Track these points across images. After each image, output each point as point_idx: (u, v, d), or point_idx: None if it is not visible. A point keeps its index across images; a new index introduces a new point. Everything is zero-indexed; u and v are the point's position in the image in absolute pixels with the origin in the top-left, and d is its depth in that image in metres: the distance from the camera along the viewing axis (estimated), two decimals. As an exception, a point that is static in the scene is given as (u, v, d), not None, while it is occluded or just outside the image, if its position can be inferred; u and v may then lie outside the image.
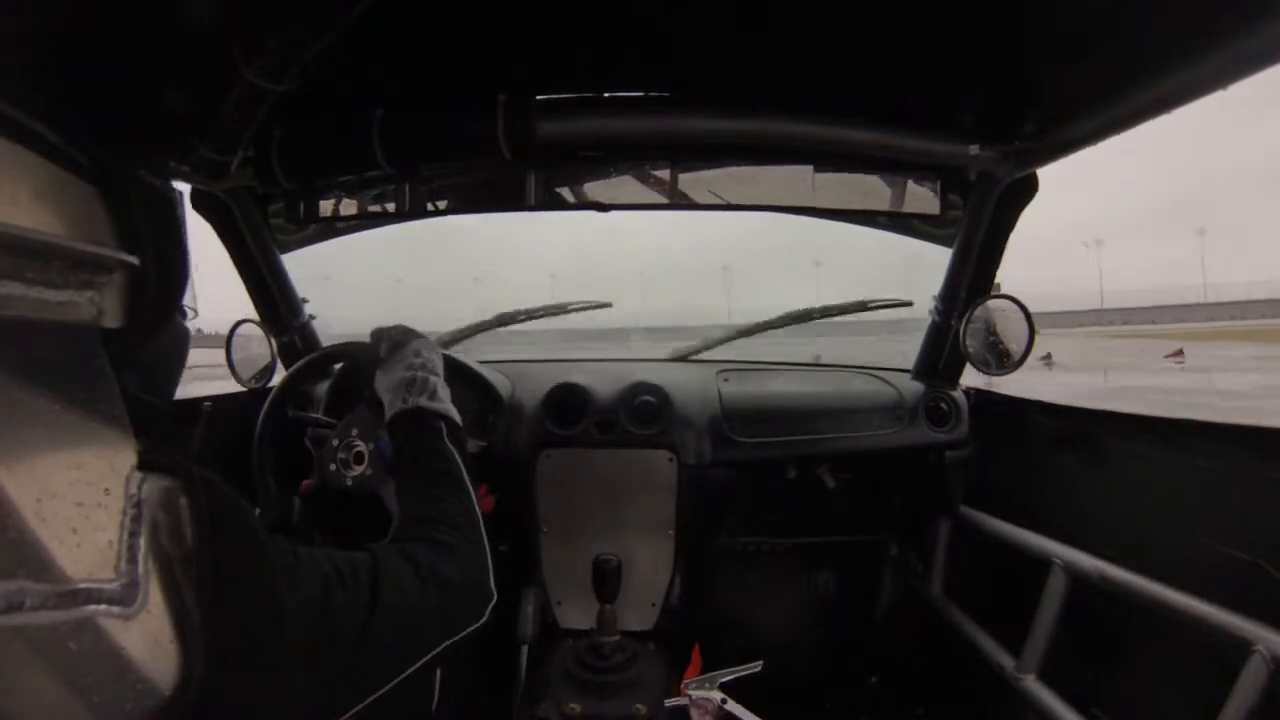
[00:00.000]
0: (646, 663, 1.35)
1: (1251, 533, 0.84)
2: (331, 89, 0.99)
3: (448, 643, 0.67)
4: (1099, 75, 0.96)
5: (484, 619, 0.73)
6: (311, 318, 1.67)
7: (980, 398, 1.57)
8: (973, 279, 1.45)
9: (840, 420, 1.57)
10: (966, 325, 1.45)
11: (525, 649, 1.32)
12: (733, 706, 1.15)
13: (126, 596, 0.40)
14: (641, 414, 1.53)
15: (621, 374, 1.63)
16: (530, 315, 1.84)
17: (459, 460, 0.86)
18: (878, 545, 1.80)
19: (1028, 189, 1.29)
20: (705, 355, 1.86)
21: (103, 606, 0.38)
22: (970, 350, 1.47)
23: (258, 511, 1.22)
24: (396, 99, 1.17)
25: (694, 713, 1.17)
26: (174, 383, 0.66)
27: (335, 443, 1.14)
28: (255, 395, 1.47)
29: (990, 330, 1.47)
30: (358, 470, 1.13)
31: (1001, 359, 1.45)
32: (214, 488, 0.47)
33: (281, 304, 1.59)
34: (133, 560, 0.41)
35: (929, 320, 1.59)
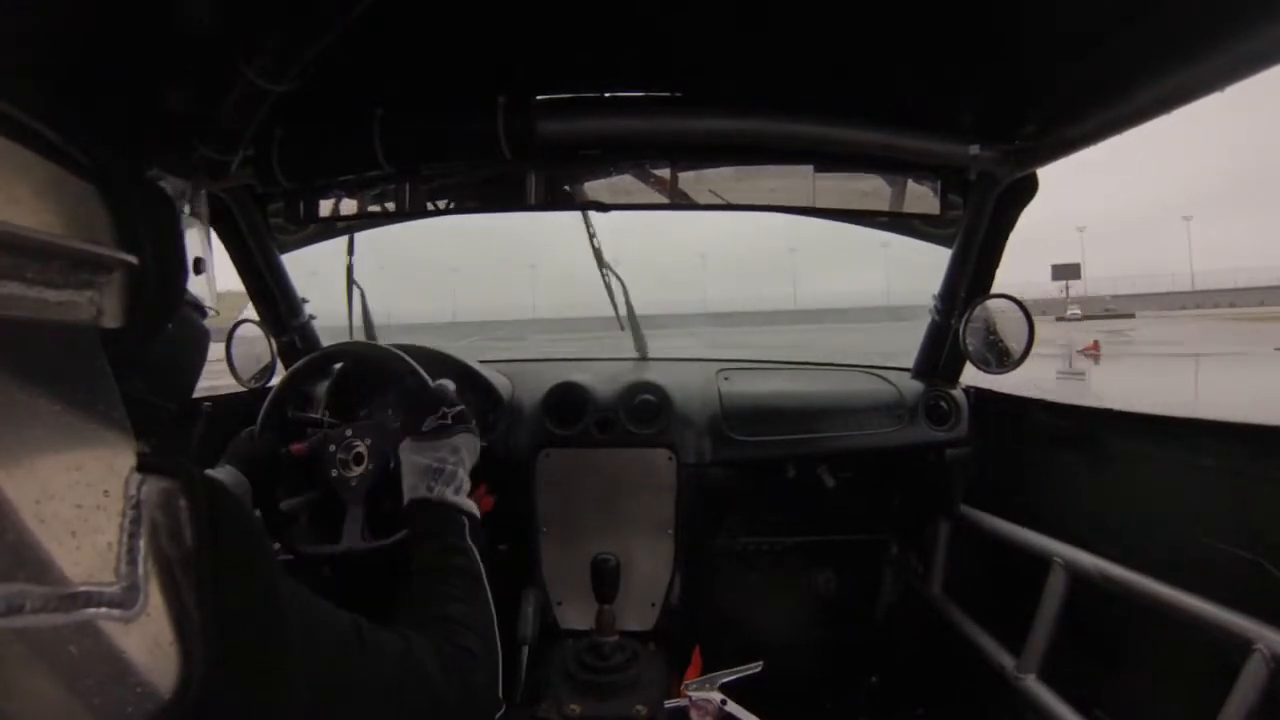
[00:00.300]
0: (646, 663, 1.35)
1: (1252, 532, 0.84)
2: (331, 89, 0.99)
3: None
4: (1099, 75, 0.96)
5: None
6: (312, 317, 1.67)
7: (980, 396, 1.57)
8: (973, 278, 1.45)
9: (840, 419, 1.57)
10: (966, 324, 1.45)
11: (525, 649, 1.32)
12: (733, 707, 1.15)
13: (126, 599, 0.40)
14: (641, 413, 1.53)
15: (621, 373, 1.63)
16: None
17: (479, 559, 0.86)
18: (878, 545, 1.80)
19: (1028, 189, 1.29)
20: (705, 355, 1.86)
21: (103, 609, 0.38)
22: (970, 349, 1.47)
23: (246, 431, 1.23)
24: (396, 99, 1.17)
25: (694, 713, 1.17)
26: (191, 382, 0.66)
27: (347, 433, 1.15)
28: (255, 395, 1.47)
29: (990, 329, 1.47)
30: (350, 472, 1.13)
31: (1001, 358, 1.45)
32: (214, 489, 0.47)
33: (281, 304, 1.59)
34: (132, 562, 0.41)
35: (929, 319, 1.59)
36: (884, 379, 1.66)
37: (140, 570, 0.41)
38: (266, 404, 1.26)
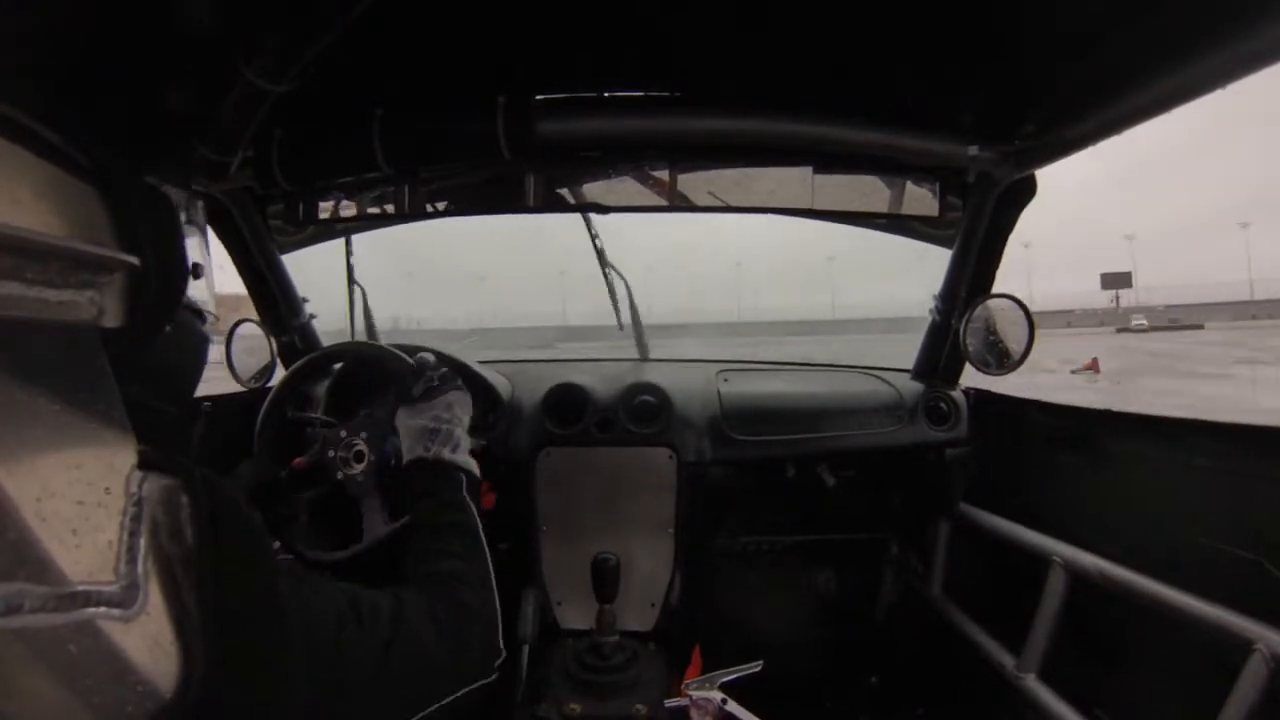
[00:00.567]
0: (646, 663, 1.35)
1: (1252, 532, 0.84)
2: (331, 89, 0.99)
3: (458, 694, 0.69)
4: (1098, 75, 0.96)
5: (493, 675, 0.74)
6: (312, 317, 1.67)
7: (979, 397, 1.58)
8: (972, 279, 1.45)
9: (840, 419, 1.57)
10: (966, 325, 1.45)
11: (525, 649, 1.32)
12: (733, 707, 1.15)
13: (126, 598, 0.40)
14: (641, 413, 1.53)
15: (621, 373, 1.63)
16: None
17: (476, 514, 0.87)
18: (878, 544, 1.80)
19: (1027, 190, 1.29)
20: (706, 356, 1.86)
21: (102, 609, 0.38)
22: (970, 350, 1.47)
23: (245, 464, 1.23)
24: (396, 99, 1.17)
25: (694, 713, 1.17)
26: (191, 387, 0.66)
27: (342, 435, 1.15)
28: (255, 395, 1.47)
29: (990, 330, 1.47)
30: (353, 470, 1.13)
31: (1001, 358, 1.45)
32: (215, 487, 0.47)
33: (281, 304, 1.59)
34: (132, 561, 0.41)
35: (929, 320, 1.59)
36: (883, 380, 1.66)
37: (140, 569, 0.41)
38: (266, 404, 1.26)
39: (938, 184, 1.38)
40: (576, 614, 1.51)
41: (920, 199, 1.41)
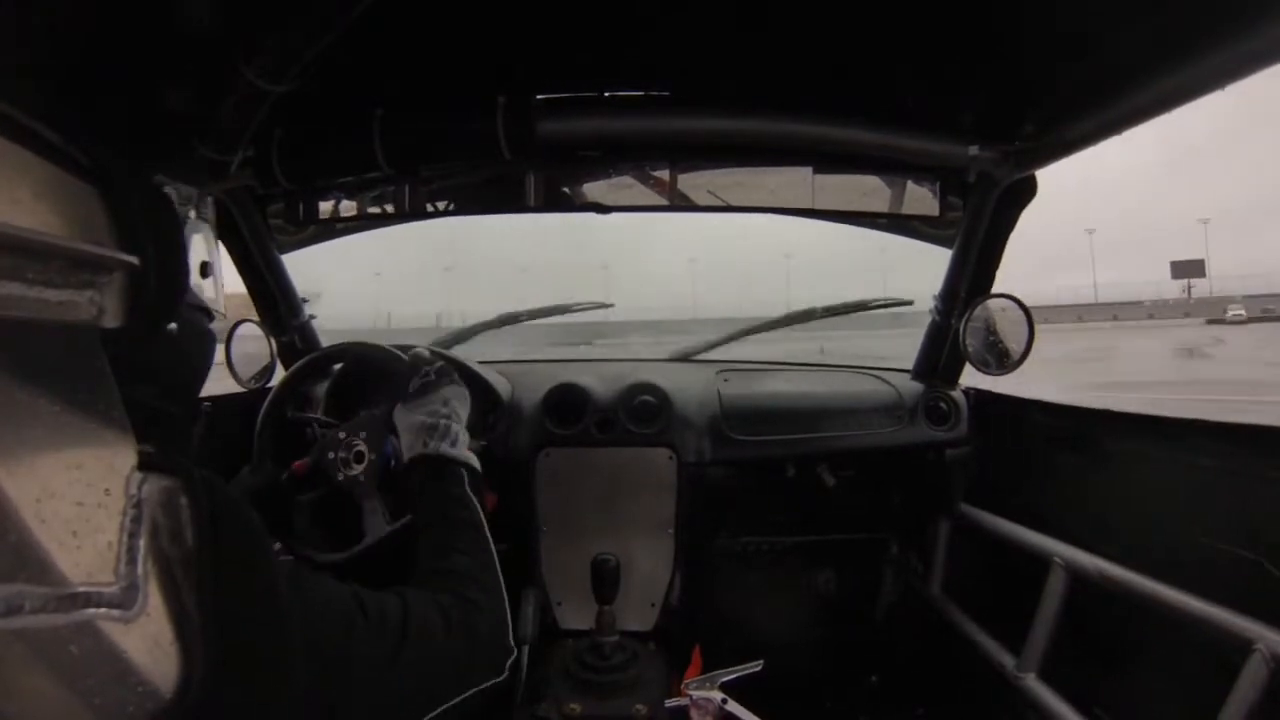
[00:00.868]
0: (646, 663, 1.35)
1: (1252, 532, 0.84)
2: (331, 89, 0.99)
3: (467, 694, 0.68)
4: (1099, 75, 0.96)
5: (504, 674, 0.73)
6: (311, 317, 1.67)
7: (979, 397, 1.58)
8: (972, 280, 1.45)
9: (840, 419, 1.57)
10: (966, 325, 1.45)
11: (525, 649, 1.32)
12: (733, 706, 1.15)
13: (126, 599, 0.40)
14: (641, 413, 1.53)
15: (621, 374, 1.63)
16: (533, 315, 1.85)
17: (479, 509, 0.86)
18: (878, 544, 1.80)
19: (1027, 190, 1.29)
20: (706, 356, 1.86)
21: (102, 610, 0.38)
22: (970, 350, 1.47)
23: (245, 469, 1.22)
24: (396, 99, 1.17)
25: (694, 713, 1.17)
26: (197, 386, 0.66)
27: (341, 436, 1.15)
28: (255, 395, 1.47)
29: (990, 330, 1.47)
30: (354, 470, 1.13)
31: (1001, 359, 1.45)
32: (215, 488, 0.47)
33: (281, 304, 1.59)
34: (132, 561, 0.41)
35: (929, 319, 1.59)
36: (883, 380, 1.66)
37: (140, 570, 0.41)
38: (266, 404, 1.26)
39: (938, 184, 1.39)
40: (576, 614, 1.51)
41: (921, 199, 1.41)
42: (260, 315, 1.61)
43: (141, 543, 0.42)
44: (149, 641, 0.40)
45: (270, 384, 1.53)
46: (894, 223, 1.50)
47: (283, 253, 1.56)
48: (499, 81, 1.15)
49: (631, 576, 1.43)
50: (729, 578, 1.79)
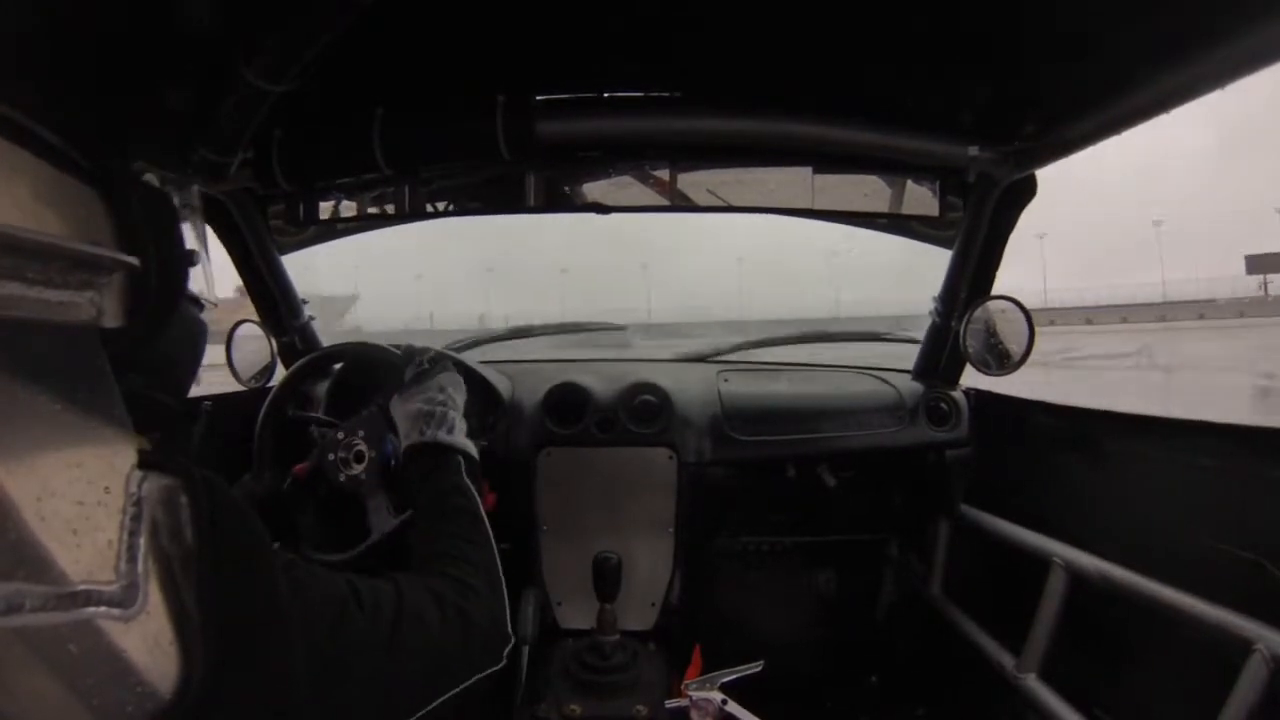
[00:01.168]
0: (647, 663, 1.35)
1: (1252, 532, 0.84)
2: (331, 89, 0.99)
3: (466, 683, 0.67)
4: (1099, 75, 0.96)
5: (502, 662, 0.73)
6: (311, 318, 1.67)
7: (980, 398, 1.58)
8: (973, 280, 1.45)
9: (840, 420, 1.57)
10: (966, 326, 1.45)
11: (525, 649, 1.32)
12: (733, 707, 1.15)
13: (126, 598, 0.40)
14: (641, 413, 1.53)
15: (621, 373, 1.63)
16: (545, 330, 1.86)
17: (477, 497, 0.86)
18: (878, 545, 1.80)
19: (1027, 190, 1.29)
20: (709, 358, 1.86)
21: (102, 608, 0.38)
22: (970, 351, 1.47)
23: (246, 478, 1.22)
24: (396, 99, 1.17)
25: (694, 713, 1.17)
26: (188, 378, 0.66)
27: (340, 437, 1.14)
28: (255, 395, 1.47)
29: (990, 331, 1.47)
30: (355, 470, 1.13)
31: (1002, 360, 1.45)
32: (215, 487, 0.47)
33: (281, 304, 1.59)
34: (132, 560, 0.41)
35: (929, 321, 1.59)
36: (884, 380, 1.66)
37: (140, 568, 0.41)
38: (267, 404, 1.27)
39: (938, 184, 1.38)
40: (577, 614, 1.51)
41: (921, 199, 1.41)
42: (260, 316, 1.61)
43: (141, 541, 0.42)
44: (149, 641, 0.40)
45: (271, 384, 1.53)
46: (894, 223, 1.50)
47: (283, 253, 1.56)
48: (499, 82, 1.15)
49: (632, 576, 1.43)
50: (729, 578, 1.79)
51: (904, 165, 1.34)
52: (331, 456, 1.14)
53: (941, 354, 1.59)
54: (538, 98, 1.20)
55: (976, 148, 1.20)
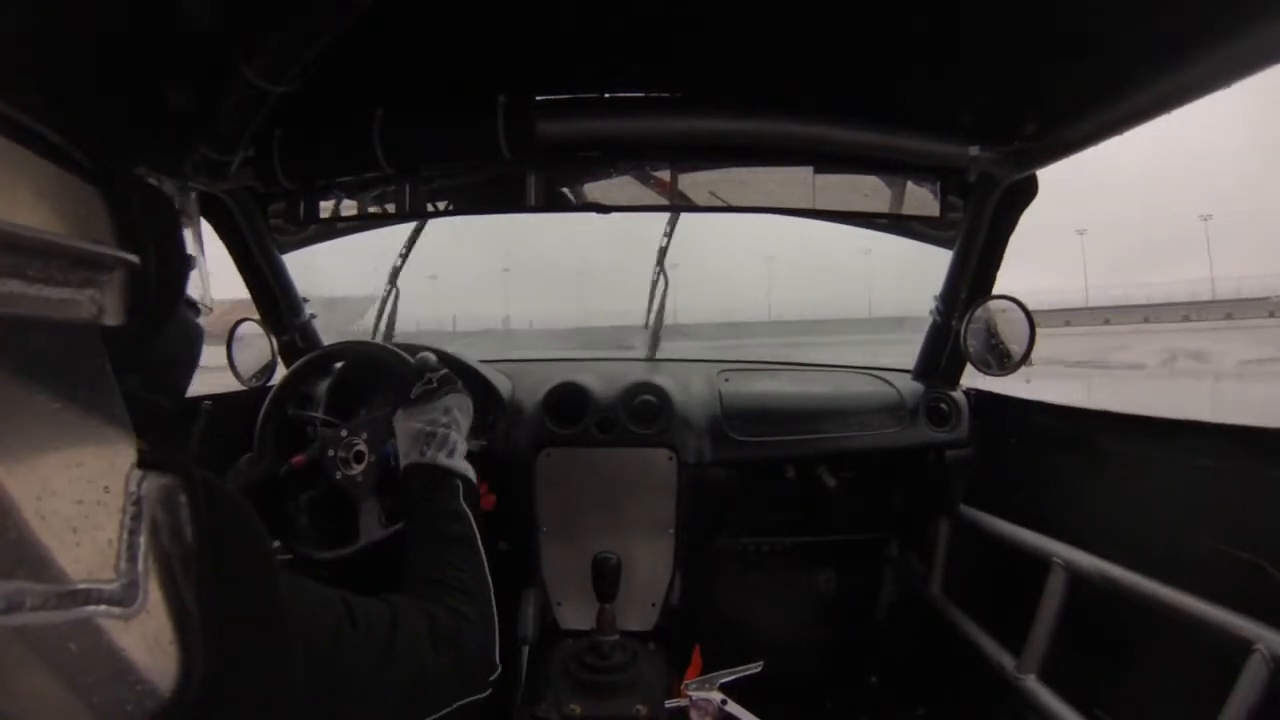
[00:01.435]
0: (647, 663, 1.35)
1: (1252, 533, 0.84)
2: (331, 89, 0.99)
3: (449, 708, 0.68)
4: (1099, 75, 0.96)
5: (488, 690, 0.74)
6: (312, 316, 1.67)
7: (980, 398, 1.58)
8: (973, 280, 1.45)
9: (840, 420, 1.57)
10: (967, 326, 1.45)
11: (525, 649, 1.32)
12: (733, 707, 1.15)
13: (126, 597, 0.40)
14: (641, 413, 1.53)
15: (621, 373, 1.63)
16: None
17: (474, 522, 0.86)
18: (878, 545, 1.80)
19: (1028, 190, 1.29)
20: (705, 356, 1.87)
21: (102, 607, 0.38)
22: (971, 351, 1.47)
23: (245, 458, 1.22)
24: (396, 99, 1.17)
25: (694, 713, 1.17)
26: (185, 380, 0.66)
27: (342, 435, 1.15)
28: (255, 394, 1.47)
29: (991, 331, 1.47)
30: (353, 470, 1.13)
31: (1002, 359, 1.45)
32: (214, 486, 0.47)
33: (282, 303, 1.59)
34: (132, 559, 0.41)
35: (929, 321, 1.59)
36: (884, 380, 1.66)
37: (140, 567, 0.41)
38: (267, 402, 1.27)
39: (938, 184, 1.38)
40: (577, 614, 1.51)
41: (921, 199, 1.41)
42: (261, 315, 1.61)
43: (141, 540, 0.42)
44: (148, 639, 0.40)
45: (271, 382, 1.54)
46: (894, 223, 1.50)
47: (283, 252, 1.56)
48: (499, 82, 1.15)
49: (632, 577, 1.43)
50: (729, 578, 1.79)
51: (905, 165, 1.34)
52: (331, 453, 1.14)
53: (942, 354, 1.59)
54: (538, 98, 1.20)
55: (977, 148, 1.20)
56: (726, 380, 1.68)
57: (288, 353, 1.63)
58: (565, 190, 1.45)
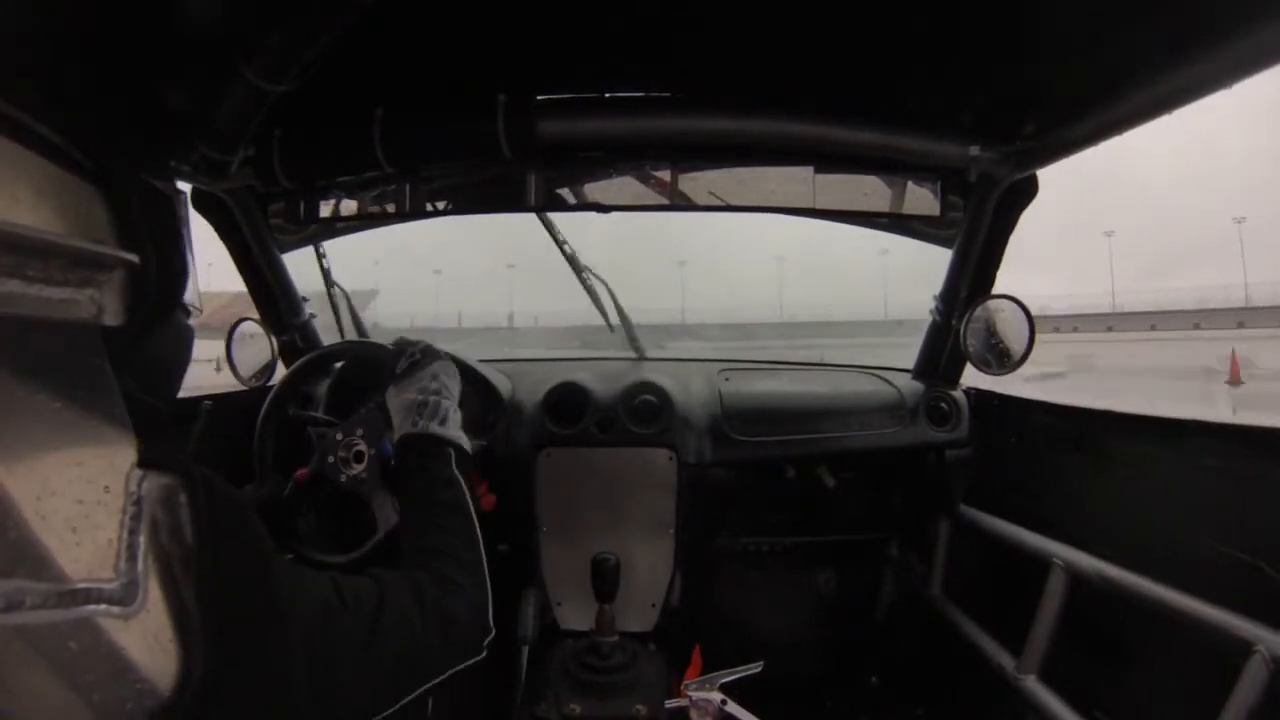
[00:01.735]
0: (646, 663, 1.35)
1: (1252, 533, 0.84)
2: (331, 89, 0.99)
3: (446, 674, 0.68)
4: (1099, 75, 0.96)
5: (483, 654, 0.74)
6: (312, 316, 1.67)
7: (980, 398, 1.57)
8: (973, 280, 1.45)
9: (840, 420, 1.57)
10: (967, 325, 1.45)
11: (525, 649, 1.32)
12: (733, 707, 1.15)
13: (126, 596, 0.40)
14: (642, 413, 1.53)
15: (621, 373, 1.63)
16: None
17: (466, 489, 0.86)
18: (878, 545, 1.80)
19: (1028, 190, 1.29)
20: (706, 355, 1.86)
21: (102, 606, 0.38)
22: (971, 350, 1.47)
23: (249, 487, 1.22)
24: (397, 99, 1.17)
25: (694, 713, 1.17)
26: (176, 382, 0.66)
27: (339, 437, 1.14)
28: (255, 394, 1.47)
29: (991, 330, 1.47)
30: (355, 470, 1.13)
31: (1002, 359, 1.45)
32: (214, 486, 0.47)
33: (282, 303, 1.59)
34: (132, 559, 0.41)
35: (929, 320, 1.59)
36: (884, 380, 1.66)
37: (140, 567, 0.41)
38: (267, 403, 1.26)
39: (939, 184, 1.38)
40: (576, 614, 1.51)
41: (921, 199, 1.40)
42: (261, 314, 1.61)
43: (141, 540, 0.42)
44: (148, 638, 0.40)
45: (271, 382, 1.54)
46: (894, 223, 1.50)
47: (283, 252, 1.56)
48: (500, 81, 1.15)
49: (632, 577, 1.43)
50: (729, 578, 1.79)
51: (905, 165, 1.34)
52: (331, 458, 1.13)
53: (942, 353, 1.59)
54: (539, 97, 1.20)
55: (977, 147, 1.20)
56: (726, 380, 1.68)
57: (287, 352, 1.63)
58: (565, 190, 1.45)
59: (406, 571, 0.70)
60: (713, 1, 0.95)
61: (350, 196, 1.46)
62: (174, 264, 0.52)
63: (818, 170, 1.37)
